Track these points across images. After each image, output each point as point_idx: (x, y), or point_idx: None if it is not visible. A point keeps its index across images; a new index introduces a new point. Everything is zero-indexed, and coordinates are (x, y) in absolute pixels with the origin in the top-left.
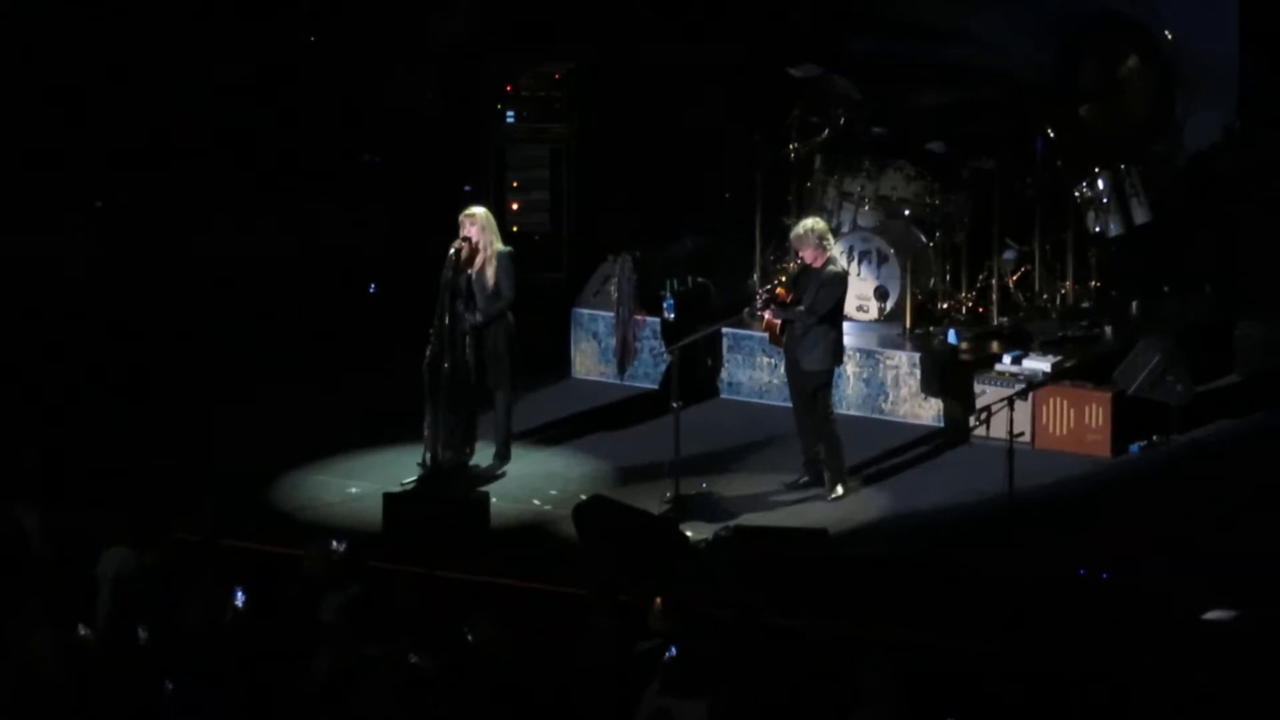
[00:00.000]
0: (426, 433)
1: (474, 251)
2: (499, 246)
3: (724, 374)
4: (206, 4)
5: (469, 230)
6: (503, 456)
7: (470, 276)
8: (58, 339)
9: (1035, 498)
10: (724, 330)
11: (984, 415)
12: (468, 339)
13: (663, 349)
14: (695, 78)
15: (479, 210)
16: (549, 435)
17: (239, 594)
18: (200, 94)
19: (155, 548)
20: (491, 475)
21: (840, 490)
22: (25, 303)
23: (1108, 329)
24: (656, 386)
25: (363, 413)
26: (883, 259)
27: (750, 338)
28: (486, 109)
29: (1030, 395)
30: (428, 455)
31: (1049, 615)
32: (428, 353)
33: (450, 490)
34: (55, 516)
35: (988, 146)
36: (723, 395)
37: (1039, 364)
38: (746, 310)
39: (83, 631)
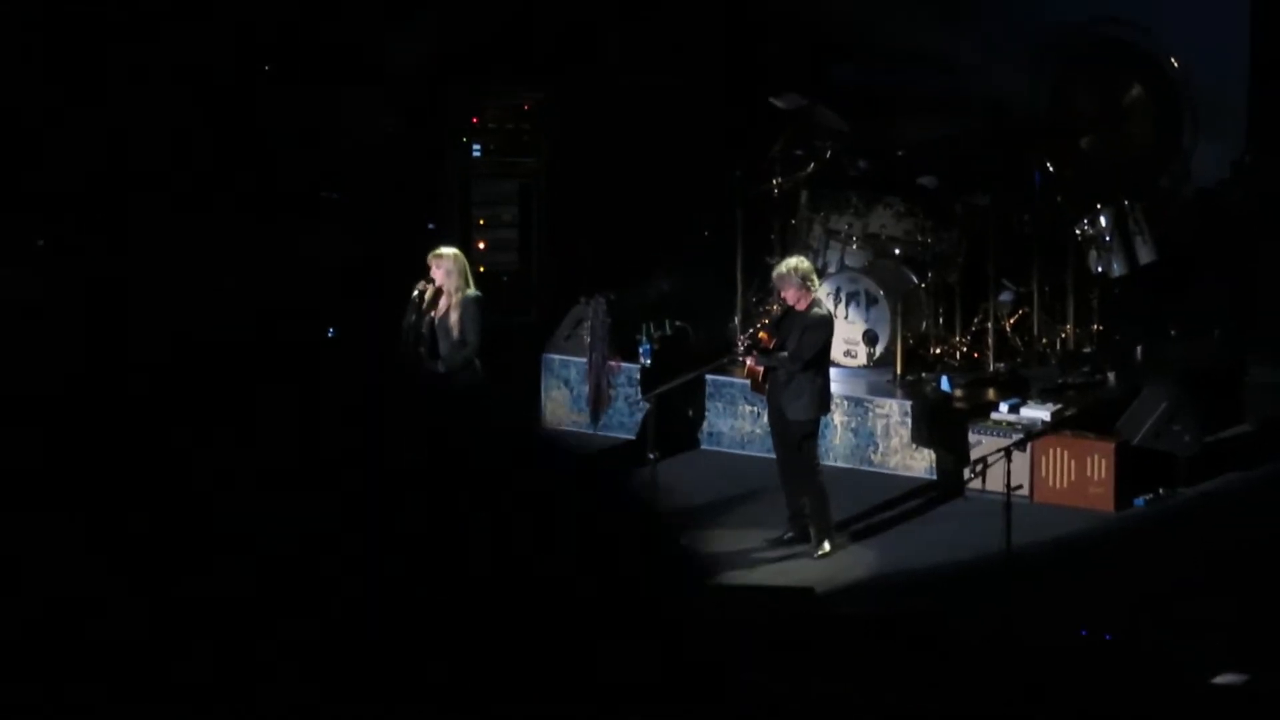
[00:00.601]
0: None
1: (438, 295)
2: (468, 291)
3: (704, 424)
4: (151, 31)
5: (436, 272)
6: None
7: (434, 321)
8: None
9: (1034, 554)
10: (704, 377)
11: (979, 467)
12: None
13: (639, 396)
14: (672, 109)
15: (449, 251)
16: None
17: None
18: (149, 127)
19: None
20: None
21: (827, 546)
22: None
23: (1110, 375)
24: (633, 436)
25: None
26: (872, 301)
27: (731, 385)
28: (450, 141)
29: (1029, 446)
30: None
31: (1049, 679)
32: None
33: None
34: None
35: (982, 181)
36: (703, 446)
37: (1038, 413)
38: (728, 356)
39: None
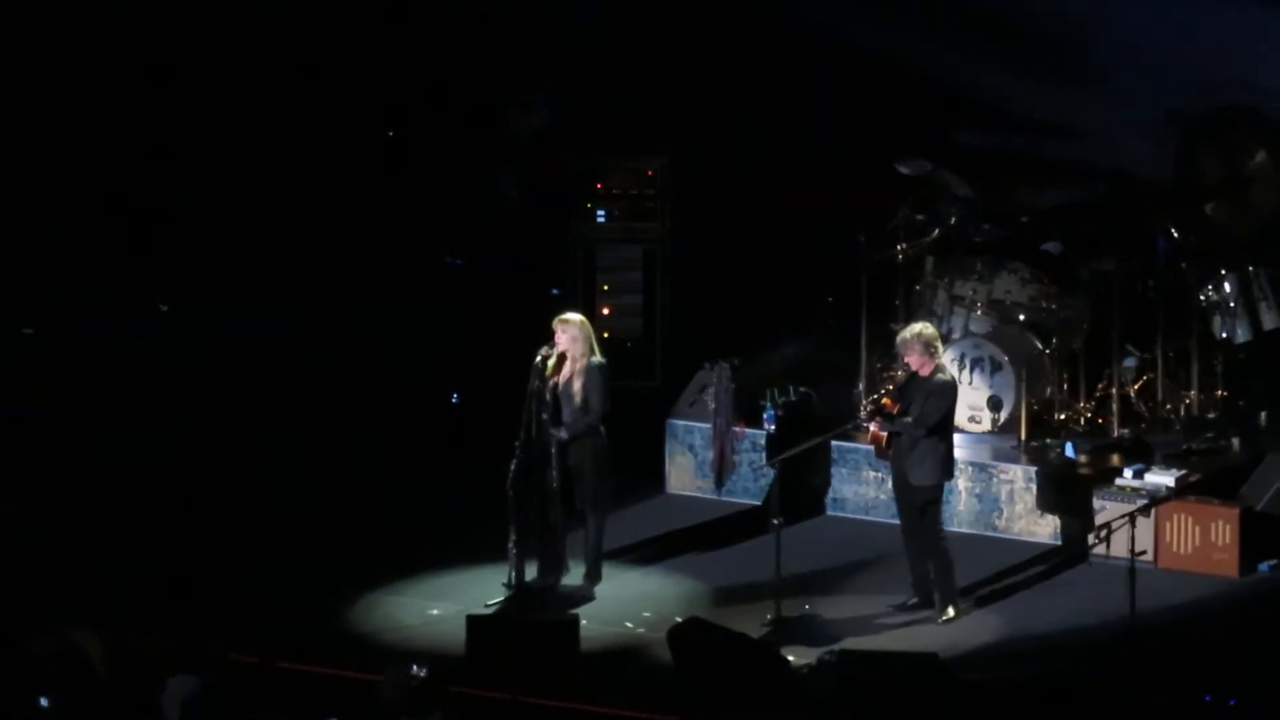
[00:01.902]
0: (512, 551)
1: (562, 360)
2: (593, 358)
3: (829, 489)
4: (277, 102)
5: (560, 338)
6: (593, 576)
7: (557, 387)
8: (115, 452)
9: (1158, 620)
10: (828, 443)
11: (1104, 532)
12: (554, 454)
13: (763, 462)
14: (795, 175)
15: (575, 317)
16: (642, 554)
17: None
18: (270, 193)
19: (218, 671)
20: (581, 596)
21: (951, 612)
22: (80, 412)
23: (1235, 441)
24: (757, 502)
25: (444, 530)
26: (996, 366)
27: (855, 450)
28: (574, 207)
29: (1153, 511)
30: (513, 575)
31: None
32: (513, 467)
33: (538, 612)
34: (118, 639)
35: (1107, 247)
36: (829, 512)
37: (1162, 478)
38: (851, 422)
39: None
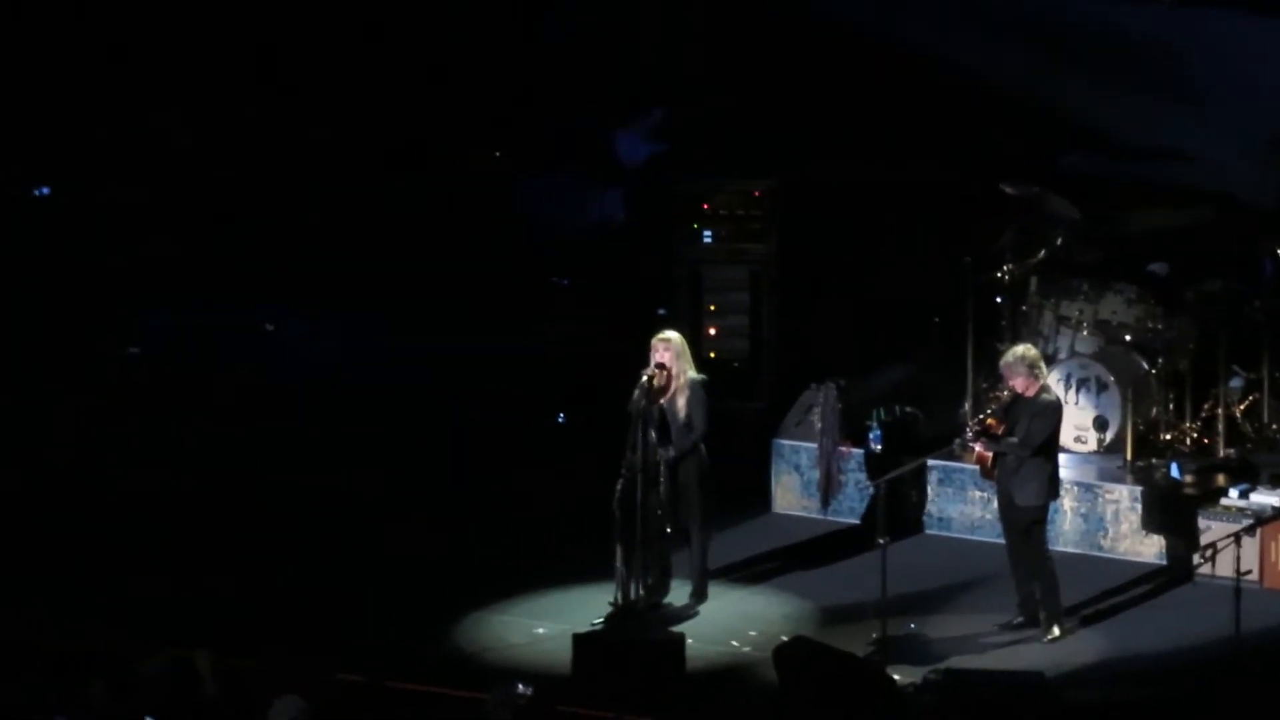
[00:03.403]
0: (619, 570)
1: (668, 379)
2: (692, 374)
3: (931, 508)
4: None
5: (662, 356)
6: (699, 595)
7: (661, 406)
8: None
9: (1265, 641)
10: (933, 463)
11: (1209, 552)
12: (661, 473)
13: (868, 482)
14: (902, 196)
15: (673, 335)
16: (748, 573)
17: None
18: (373, 212)
19: (324, 691)
20: (687, 615)
21: (1057, 631)
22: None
23: None
24: (858, 521)
25: (550, 549)
26: (1102, 387)
27: (961, 470)
28: (681, 229)
29: (1258, 531)
30: (619, 594)
31: None
32: (619, 486)
33: (643, 631)
34: (228, 660)
35: (1212, 268)
36: (929, 530)
37: (1268, 498)
38: (957, 442)
39: None
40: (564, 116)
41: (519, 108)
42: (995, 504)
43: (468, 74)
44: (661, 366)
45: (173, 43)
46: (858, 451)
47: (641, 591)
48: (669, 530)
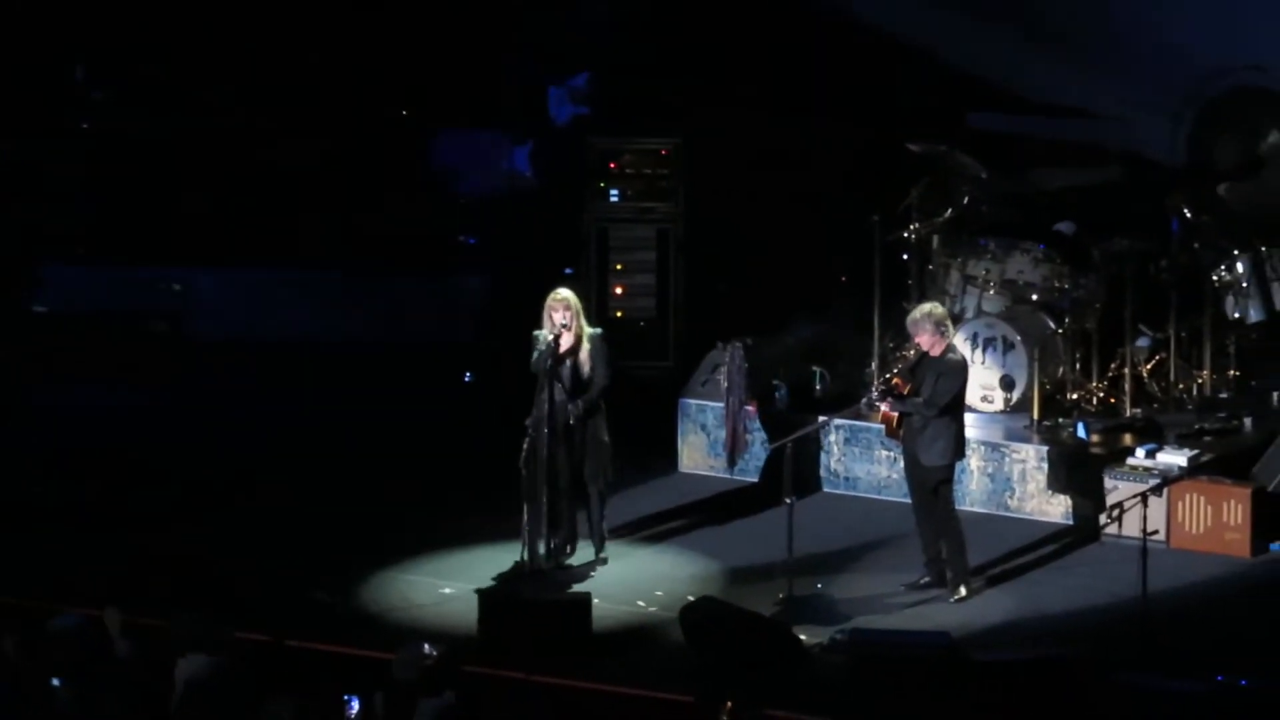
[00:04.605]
0: (524, 529)
1: (575, 338)
2: (592, 329)
3: (838, 468)
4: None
5: (563, 315)
6: (600, 548)
7: (564, 363)
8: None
9: (1170, 600)
10: (839, 422)
11: (1116, 512)
12: (569, 429)
13: (769, 445)
14: (809, 154)
15: (569, 293)
16: (655, 532)
17: (353, 702)
18: (278, 170)
19: (228, 649)
20: (593, 574)
21: (963, 591)
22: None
23: (1247, 421)
24: (769, 480)
25: (456, 509)
26: (1009, 346)
27: (867, 430)
28: (589, 187)
29: (1165, 491)
30: (525, 553)
31: None
32: (525, 445)
33: (550, 591)
34: (138, 619)
35: (1120, 227)
36: (836, 490)
37: (1174, 458)
38: (863, 401)
39: None
40: (477, 71)
41: (432, 61)
42: (901, 464)
43: (372, 28)
44: (566, 325)
45: None
46: (764, 410)
47: (548, 551)
48: (574, 489)
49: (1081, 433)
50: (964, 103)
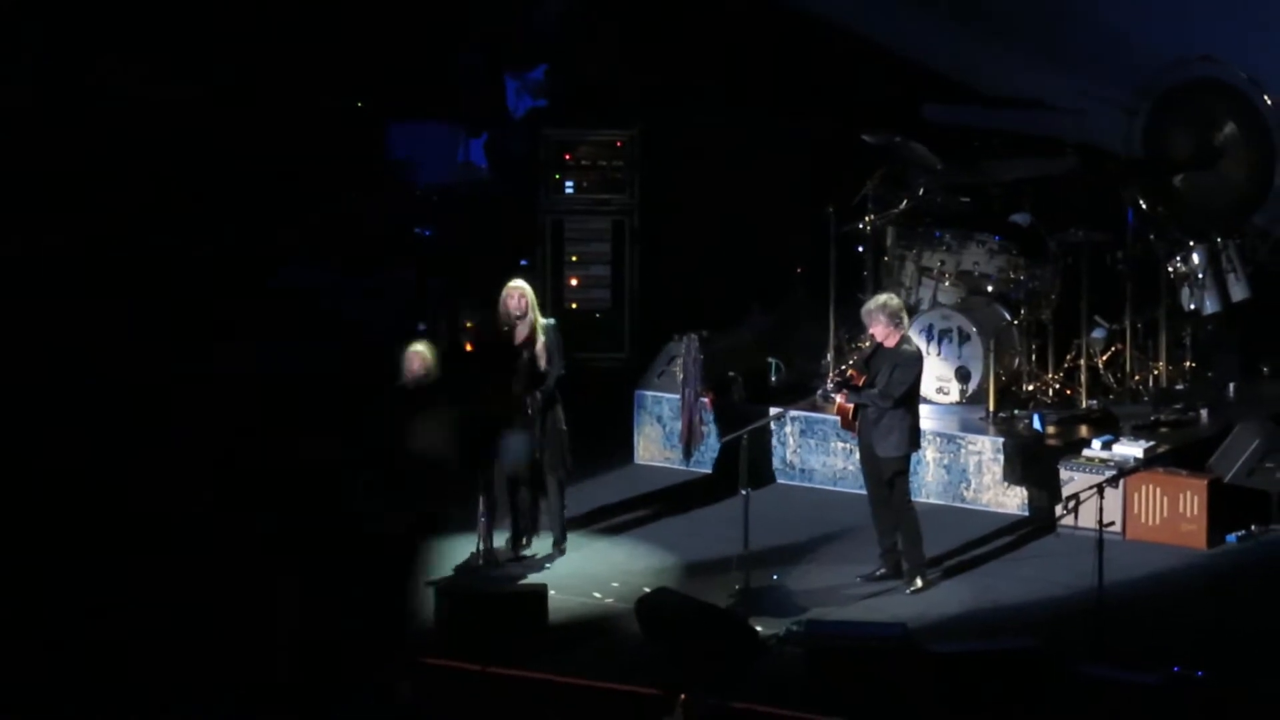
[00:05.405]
0: (481, 520)
1: (530, 328)
2: (544, 320)
3: (794, 459)
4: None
5: (519, 304)
6: (560, 540)
7: (522, 353)
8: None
9: (1126, 591)
10: (795, 414)
11: (1072, 504)
12: (529, 420)
13: (721, 439)
14: (764, 145)
15: (524, 283)
16: (611, 524)
17: None
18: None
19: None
20: (550, 566)
21: (919, 582)
22: None
23: (1203, 412)
24: (724, 473)
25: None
26: (964, 338)
27: (823, 421)
28: (544, 179)
29: (1121, 483)
30: (481, 545)
31: (1141, 716)
32: None
33: (506, 582)
34: None
35: (1075, 219)
36: (792, 482)
37: (1130, 449)
38: (819, 393)
39: None
40: (432, 62)
41: (387, 51)
42: (857, 455)
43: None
44: (521, 317)
45: None
46: (720, 402)
47: (504, 543)
48: (532, 480)
49: (1037, 424)
50: (919, 94)
